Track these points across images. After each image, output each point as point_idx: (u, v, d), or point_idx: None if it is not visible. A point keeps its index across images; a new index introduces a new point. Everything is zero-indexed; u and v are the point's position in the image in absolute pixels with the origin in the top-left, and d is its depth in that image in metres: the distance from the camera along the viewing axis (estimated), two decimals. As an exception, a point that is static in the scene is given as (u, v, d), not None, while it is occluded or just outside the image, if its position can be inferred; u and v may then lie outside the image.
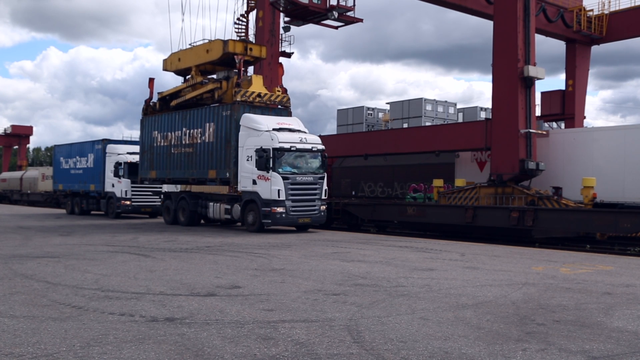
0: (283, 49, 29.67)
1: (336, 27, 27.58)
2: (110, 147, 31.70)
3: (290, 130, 21.15)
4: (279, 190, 20.00)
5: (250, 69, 24.99)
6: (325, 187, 21.43)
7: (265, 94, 22.54)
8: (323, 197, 21.30)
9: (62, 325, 6.86)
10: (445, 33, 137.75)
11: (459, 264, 12.87)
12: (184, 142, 23.97)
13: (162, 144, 25.32)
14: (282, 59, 29.95)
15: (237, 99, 21.69)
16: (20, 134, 71.22)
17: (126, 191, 30.25)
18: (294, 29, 28.22)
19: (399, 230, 25.10)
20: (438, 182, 24.49)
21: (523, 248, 16.92)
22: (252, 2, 25.33)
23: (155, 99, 26.69)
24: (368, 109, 63.55)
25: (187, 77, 25.30)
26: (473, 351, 5.98)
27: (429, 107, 58.48)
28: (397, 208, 24.22)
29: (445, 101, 60.56)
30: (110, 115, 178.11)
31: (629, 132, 20.96)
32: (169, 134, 24.86)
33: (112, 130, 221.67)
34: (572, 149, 22.20)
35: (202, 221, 25.39)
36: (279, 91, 23.35)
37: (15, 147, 73.31)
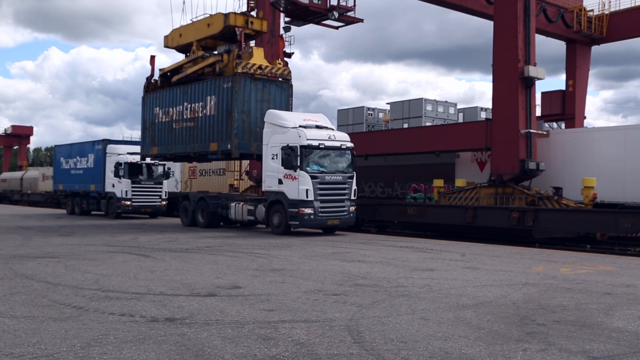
0: (283, 49, 29.64)
1: (336, 27, 27.56)
2: (110, 148, 31.72)
3: (317, 127, 20.27)
4: (307, 190, 19.00)
5: (251, 45, 24.67)
6: (354, 187, 20.36)
7: (267, 66, 22.30)
8: (352, 197, 20.28)
9: (62, 325, 6.86)
10: (447, 33, 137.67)
11: (459, 264, 12.86)
12: (185, 116, 23.73)
13: (163, 119, 25.08)
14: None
15: (238, 71, 21.41)
16: (21, 134, 71.24)
17: (126, 191, 30.26)
18: (294, 29, 28.23)
19: (399, 231, 25.09)
20: (438, 182, 24.49)
21: (523, 248, 16.92)
22: (252, 2, 25.31)
23: (156, 76, 26.50)
24: (368, 109, 63.52)
25: (189, 54, 25.15)
26: (473, 351, 5.97)
27: (429, 108, 58.46)
28: (397, 208, 24.22)
29: (446, 101, 60.56)
30: (112, 116, 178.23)
31: (629, 132, 20.96)
32: (171, 109, 24.67)
33: (113, 130, 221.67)
34: (572, 149, 22.20)
35: (221, 223, 24.27)
36: (279, 64, 23.10)
37: (16, 147, 73.36)
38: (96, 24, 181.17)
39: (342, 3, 25.34)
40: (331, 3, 25.03)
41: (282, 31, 28.45)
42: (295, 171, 19.17)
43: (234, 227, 24.30)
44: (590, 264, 13.32)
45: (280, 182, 19.68)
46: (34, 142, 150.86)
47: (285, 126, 19.91)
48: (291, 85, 23.13)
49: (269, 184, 20.23)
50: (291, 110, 22.93)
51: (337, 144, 20.10)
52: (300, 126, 19.73)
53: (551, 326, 7.09)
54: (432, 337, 6.49)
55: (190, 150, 23.60)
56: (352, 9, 25.44)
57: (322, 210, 19.38)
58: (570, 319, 7.48)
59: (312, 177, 19.18)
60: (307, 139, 19.27)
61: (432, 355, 5.82)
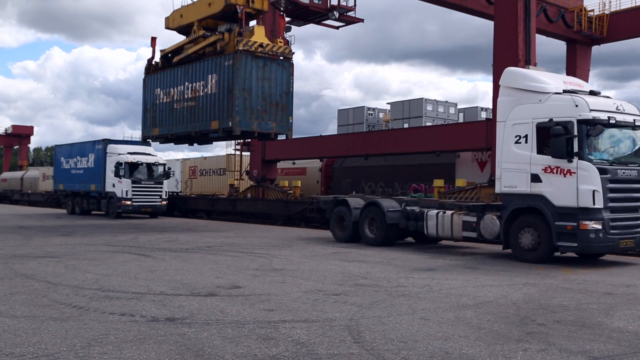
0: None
1: (337, 27, 27.58)
2: (110, 147, 31.74)
3: (591, 92, 13.74)
4: (593, 192, 12.14)
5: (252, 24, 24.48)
6: None
7: (268, 45, 22.05)
8: None
9: (62, 325, 6.86)
10: (450, 34, 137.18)
11: (460, 264, 12.86)
12: (186, 96, 23.50)
13: (164, 100, 24.88)
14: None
15: (240, 48, 21.16)
16: (21, 134, 71.26)
17: (127, 191, 30.27)
18: (295, 29, 28.22)
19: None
20: (439, 182, 24.45)
21: (524, 248, 16.88)
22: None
23: (157, 58, 26.24)
24: (369, 109, 63.53)
25: (190, 35, 24.98)
26: (473, 351, 5.97)
27: (429, 107, 58.46)
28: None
29: (446, 101, 60.55)
30: (114, 116, 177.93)
31: (630, 132, 20.89)
32: (172, 89, 24.47)
33: (115, 130, 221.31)
34: (572, 149, 22.10)
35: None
36: (280, 42, 22.84)
37: (16, 147, 73.39)
38: (100, 24, 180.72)
39: (343, 3, 25.36)
40: (331, 3, 25.05)
41: (282, 6, 28.28)
42: (571, 161, 12.34)
43: (421, 245, 17.44)
44: (591, 263, 13.31)
45: (535, 178, 12.94)
46: (35, 142, 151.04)
47: (544, 91, 13.24)
48: (292, 64, 22.77)
49: (509, 182, 13.57)
50: (292, 91, 22.54)
51: (629, 119, 13.21)
52: (564, 91, 13.31)
53: (551, 326, 7.09)
54: (432, 337, 6.50)
55: (192, 130, 23.27)
56: (353, 8, 25.45)
57: (614, 224, 12.48)
58: (570, 319, 7.48)
59: (601, 171, 12.29)
60: (591, 110, 12.50)
61: (432, 355, 5.83)
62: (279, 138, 24.15)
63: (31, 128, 73.58)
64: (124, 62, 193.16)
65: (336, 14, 25.09)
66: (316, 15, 25.37)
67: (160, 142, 26.76)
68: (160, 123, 25.15)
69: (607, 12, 29.51)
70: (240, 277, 10.55)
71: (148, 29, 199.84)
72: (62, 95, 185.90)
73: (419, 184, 27.39)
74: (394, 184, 29.26)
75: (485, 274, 11.38)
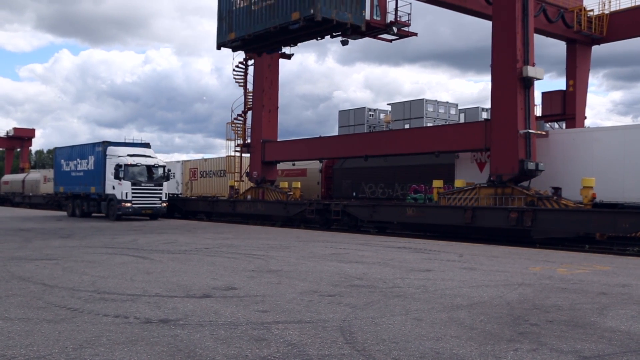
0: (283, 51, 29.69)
1: (390, 41, 27.14)
2: (110, 149, 31.82)
3: None
4: None
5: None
6: None
7: None
8: None
9: (56, 327, 6.89)
10: (464, 35, 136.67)
11: (457, 264, 12.87)
12: None
13: (241, 5, 24.75)
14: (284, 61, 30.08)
15: None
16: (23, 136, 71.45)
17: (127, 193, 30.33)
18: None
19: (399, 231, 25.11)
20: (438, 183, 24.48)
21: (522, 248, 16.91)
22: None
23: None
24: (370, 110, 63.51)
25: None
26: (464, 352, 5.98)
27: (430, 108, 58.43)
28: (396, 209, 24.22)
29: (447, 102, 60.50)
30: (122, 118, 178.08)
31: (629, 132, 20.93)
32: None
33: (123, 132, 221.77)
34: (571, 149, 22.17)
35: None
36: None
37: (18, 149, 73.56)
38: (114, 28, 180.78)
39: (398, 18, 24.89)
40: (390, 19, 24.67)
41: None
42: None
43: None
44: (588, 264, 13.31)
45: None
46: (42, 145, 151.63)
47: None
48: None
49: None
50: None
51: None
52: None
53: (544, 326, 7.10)
54: (424, 338, 6.50)
55: (271, 25, 22.98)
56: (409, 24, 25.10)
57: None
58: (563, 319, 7.48)
59: None
60: None
61: (423, 356, 5.83)
62: (351, 33, 23.35)
63: (33, 130, 73.79)
64: (132, 65, 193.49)
65: (395, 29, 24.80)
66: (374, 30, 25.07)
67: (234, 49, 26.44)
68: (237, 27, 24.92)
69: (606, 11, 29.50)
70: (236, 279, 10.56)
71: (162, 32, 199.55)
72: (70, 98, 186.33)
73: (419, 185, 27.43)
74: (394, 184, 29.29)
75: (482, 274, 11.38)
